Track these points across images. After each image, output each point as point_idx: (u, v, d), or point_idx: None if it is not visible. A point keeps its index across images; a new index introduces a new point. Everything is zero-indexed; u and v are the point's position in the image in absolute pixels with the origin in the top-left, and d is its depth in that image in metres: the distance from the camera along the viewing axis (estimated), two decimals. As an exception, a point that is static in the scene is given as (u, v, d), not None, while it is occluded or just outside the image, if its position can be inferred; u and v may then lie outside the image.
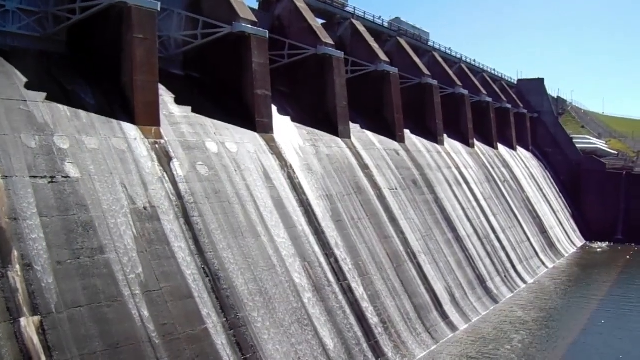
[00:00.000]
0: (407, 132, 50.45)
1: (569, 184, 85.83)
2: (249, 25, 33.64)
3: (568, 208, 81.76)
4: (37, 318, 18.72)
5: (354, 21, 50.26)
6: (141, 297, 21.66)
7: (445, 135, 57.67)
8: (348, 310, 29.92)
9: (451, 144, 58.97)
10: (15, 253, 19.30)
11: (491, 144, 70.37)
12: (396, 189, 41.85)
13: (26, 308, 18.66)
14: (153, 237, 23.52)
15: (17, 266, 19.13)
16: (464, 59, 73.70)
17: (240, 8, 34.14)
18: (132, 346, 20.52)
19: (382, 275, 33.97)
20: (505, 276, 49.52)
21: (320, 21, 46.17)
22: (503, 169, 68.10)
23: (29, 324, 18.45)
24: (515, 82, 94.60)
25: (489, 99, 71.23)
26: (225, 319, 24.08)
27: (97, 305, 20.40)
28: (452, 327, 37.18)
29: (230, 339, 23.78)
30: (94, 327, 19.88)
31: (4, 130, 21.78)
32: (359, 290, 31.43)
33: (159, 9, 28.30)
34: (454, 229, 45.93)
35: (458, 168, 55.26)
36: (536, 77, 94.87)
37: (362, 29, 50.23)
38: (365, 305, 31.18)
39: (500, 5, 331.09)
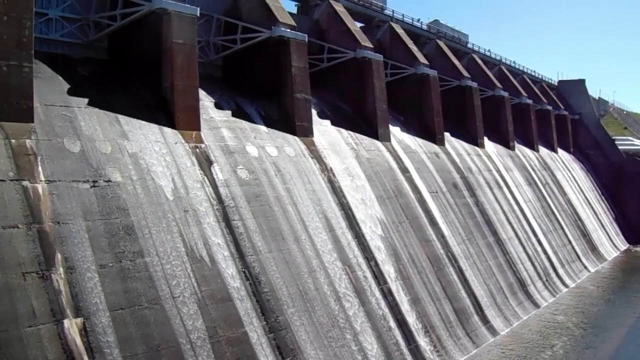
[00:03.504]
0: (447, 134, 50.18)
1: (611, 186, 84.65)
2: (288, 30, 33.73)
3: (610, 211, 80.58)
4: (79, 320, 18.98)
5: (393, 24, 50.14)
6: (181, 300, 21.81)
7: (485, 138, 57.17)
8: (388, 314, 29.80)
9: (491, 147, 58.47)
10: (59, 256, 19.58)
11: (532, 146, 69.67)
12: (436, 192, 41.64)
13: (69, 310, 18.92)
14: (193, 241, 23.66)
15: (61, 269, 19.41)
16: (503, 60, 73.07)
17: (279, 12, 34.24)
18: (173, 348, 20.71)
19: (422, 279, 33.80)
20: (546, 280, 48.98)
21: (359, 24, 46.08)
22: (544, 172, 67.40)
23: (72, 326, 18.70)
24: (556, 84, 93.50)
25: (529, 101, 70.56)
26: (265, 322, 24.14)
27: (139, 307, 20.63)
28: (493, 331, 36.87)
29: (271, 342, 23.83)
30: (135, 329, 20.11)
31: (47, 135, 22.09)
32: (399, 294, 31.30)
33: (198, 15, 28.50)
34: (494, 232, 45.57)
35: (499, 171, 54.83)
36: (577, 78, 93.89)
37: (401, 31, 50.08)
38: (406, 309, 31.04)
39: (540, 6, 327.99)
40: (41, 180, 20.65)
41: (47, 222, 19.97)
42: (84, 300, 19.40)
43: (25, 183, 20.22)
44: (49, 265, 19.19)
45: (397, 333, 29.50)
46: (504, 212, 49.52)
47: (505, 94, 63.62)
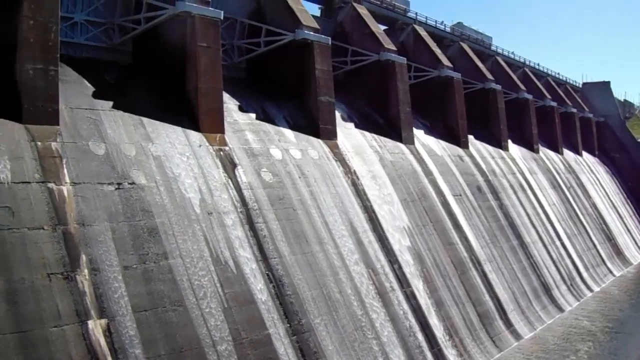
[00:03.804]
0: (471, 137, 49.95)
1: (637, 190, 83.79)
2: (312, 33, 33.77)
3: (636, 214, 79.83)
4: (104, 321, 19.10)
5: (416, 27, 50.01)
6: (205, 302, 21.88)
7: (509, 141, 56.87)
8: (411, 318, 29.70)
9: (516, 150, 58.16)
10: (84, 257, 19.72)
11: (556, 149, 69.18)
12: (460, 195, 41.49)
13: (94, 311, 19.05)
14: (217, 244, 23.73)
15: (85, 270, 19.55)
16: (527, 63, 72.66)
17: (303, 15, 34.30)
18: (196, 350, 20.77)
19: (446, 282, 33.69)
20: (570, 284, 48.60)
21: (382, 27, 46.08)
22: (568, 175, 66.92)
23: (96, 327, 18.83)
24: (580, 86, 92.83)
25: (554, 104, 70.07)
26: (288, 325, 24.13)
27: (162, 309, 20.71)
28: (517, 335, 36.64)
29: (294, 344, 23.83)
30: (159, 330, 20.21)
31: (72, 138, 22.26)
32: (423, 297, 31.19)
33: (222, 18, 28.58)
34: (518, 236, 45.32)
35: (522, 174, 54.52)
36: (601, 80, 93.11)
37: (424, 34, 49.95)
38: (429, 312, 30.93)
39: (564, 9, 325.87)
40: (66, 183, 20.81)
41: (72, 223, 20.12)
42: (108, 302, 19.53)
43: (51, 185, 20.40)
44: (73, 266, 19.35)
45: (420, 336, 29.40)
46: (528, 215, 49.24)
47: (529, 96, 63.25)
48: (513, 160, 55.17)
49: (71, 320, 18.48)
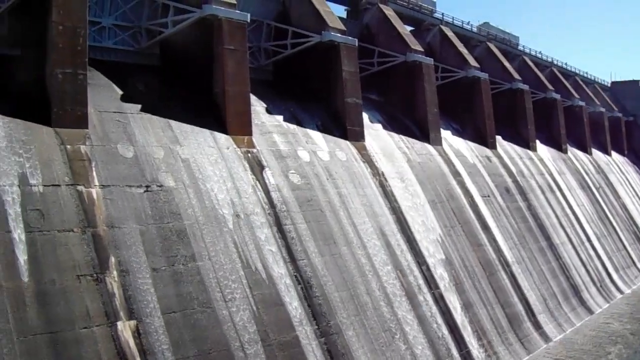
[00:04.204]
0: (498, 138, 49.65)
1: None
2: (338, 34, 33.75)
3: (668, 215, 78.88)
4: (133, 322, 19.25)
5: (443, 27, 49.88)
6: (233, 303, 21.94)
7: (537, 141, 56.45)
8: (439, 319, 29.57)
9: (544, 150, 57.73)
10: (113, 259, 19.90)
11: (584, 149, 68.53)
12: (488, 196, 41.28)
13: (123, 312, 19.21)
14: (245, 245, 23.80)
15: (115, 272, 19.72)
16: (555, 62, 72.18)
17: (329, 17, 34.31)
18: (224, 352, 20.82)
19: (474, 284, 33.51)
20: (600, 286, 48.11)
21: (409, 28, 46.01)
22: (597, 175, 66.28)
23: (125, 328, 18.97)
24: (609, 85, 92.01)
25: (582, 103, 69.40)
26: (316, 327, 24.11)
27: (191, 311, 20.80)
28: (546, 337, 36.34)
29: (322, 346, 23.79)
30: (187, 332, 20.29)
31: (101, 141, 22.47)
32: (451, 299, 31.05)
33: (248, 20, 28.66)
34: (547, 237, 44.98)
35: (551, 174, 54.12)
36: (631, 79, 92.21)
37: (451, 34, 49.80)
38: (457, 314, 30.78)
39: (592, 7, 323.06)
40: (95, 185, 21.00)
41: (101, 226, 20.30)
42: (137, 303, 19.67)
43: (80, 188, 20.60)
44: (103, 268, 19.52)
45: (448, 338, 29.26)
46: (556, 216, 48.84)
47: (557, 96, 62.77)
48: (541, 160, 54.75)
49: (100, 322, 18.65)
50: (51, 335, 17.62)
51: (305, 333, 23.52)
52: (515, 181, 46.41)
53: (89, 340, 18.13)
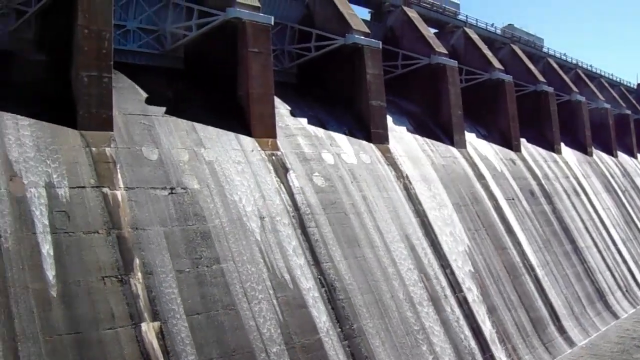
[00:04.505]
0: (523, 140, 49.34)
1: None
2: (362, 37, 33.76)
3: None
4: (157, 324, 19.40)
5: (467, 29, 49.67)
6: (257, 305, 22.00)
7: (562, 144, 56.03)
8: (463, 323, 29.44)
9: (569, 153, 57.28)
10: (137, 261, 20.06)
11: (610, 152, 67.86)
12: (513, 199, 41.05)
13: (147, 314, 19.37)
14: (269, 248, 23.82)
15: (139, 273, 19.86)
16: (579, 64, 71.59)
17: (353, 20, 34.30)
18: (248, 354, 20.91)
19: (498, 287, 33.32)
20: (626, 290, 47.63)
21: (433, 30, 45.86)
22: (623, 178, 65.62)
23: (149, 329, 19.11)
24: (635, 87, 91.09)
25: (607, 105, 68.71)
26: (340, 329, 24.10)
27: (214, 312, 20.93)
28: (570, 342, 36.03)
29: (345, 349, 23.78)
30: (211, 334, 20.42)
31: (126, 143, 22.62)
32: (475, 303, 30.90)
33: (272, 24, 28.73)
34: (572, 241, 44.62)
35: (576, 177, 53.70)
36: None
37: (475, 37, 49.58)
38: (481, 318, 30.62)
39: (616, 8, 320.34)
40: (120, 187, 21.15)
41: (126, 227, 20.44)
42: (161, 305, 19.81)
43: (105, 190, 20.76)
44: (127, 269, 19.66)
45: (472, 342, 29.11)
46: (582, 220, 48.45)
47: (582, 98, 62.26)
48: (566, 163, 54.35)
49: (125, 323, 18.81)
50: (76, 335, 17.80)
51: (329, 336, 23.51)
52: (539, 184, 46.11)
53: (113, 341, 18.29)
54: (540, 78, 55.23)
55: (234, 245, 22.77)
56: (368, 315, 25.35)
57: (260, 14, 28.12)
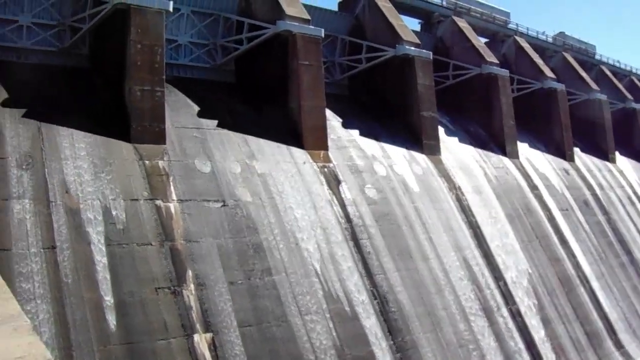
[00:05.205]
0: (576, 150, 48.62)
1: None
2: (412, 48, 33.64)
3: None
4: (209, 335, 19.49)
5: (517, 38, 49.15)
6: (309, 317, 21.97)
7: (616, 153, 55.06)
8: (516, 336, 29.02)
9: (624, 162, 56.16)
10: (190, 273, 20.19)
11: (667, 160, 66.54)
12: (566, 209, 40.42)
13: (199, 325, 19.48)
14: (321, 260, 23.79)
15: (192, 285, 20.00)
16: (634, 71, 70.25)
17: (403, 31, 34.23)
18: (300, 365, 20.87)
19: (552, 300, 32.79)
20: (687, 302, 46.56)
21: (483, 40, 45.51)
22: (681, 187, 64.22)
23: (201, 341, 19.22)
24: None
25: (664, 112, 67.43)
26: (392, 342, 23.93)
27: (267, 324, 20.95)
28: (628, 357, 35.16)
29: (397, 362, 23.67)
30: (263, 345, 20.46)
31: (179, 156, 22.86)
32: (529, 315, 30.45)
33: (323, 36, 28.83)
34: (628, 252, 43.70)
35: (632, 187, 52.65)
36: None
37: (525, 45, 49.03)
38: (535, 330, 30.14)
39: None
40: (173, 200, 21.35)
41: (179, 240, 20.62)
42: (214, 316, 19.90)
43: (159, 202, 20.98)
44: (180, 281, 19.82)
45: (525, 355, 28.67)
46: (638, 230, 47.46)
47: (637, 106, 60.94)
48: (621, 172, 53.32)
49: (177, 334, 18.95)
50: (129, 345, 18.01)
51: (381, 348, 23.37)
52: (594, 194, 45.33)
53: (166, 352, 18.45)
54: (593, 86, 54.31)
55: (286, 257, 22.80)
56: (420, 327, 25.15)
57: (311, 27, 28.25)
